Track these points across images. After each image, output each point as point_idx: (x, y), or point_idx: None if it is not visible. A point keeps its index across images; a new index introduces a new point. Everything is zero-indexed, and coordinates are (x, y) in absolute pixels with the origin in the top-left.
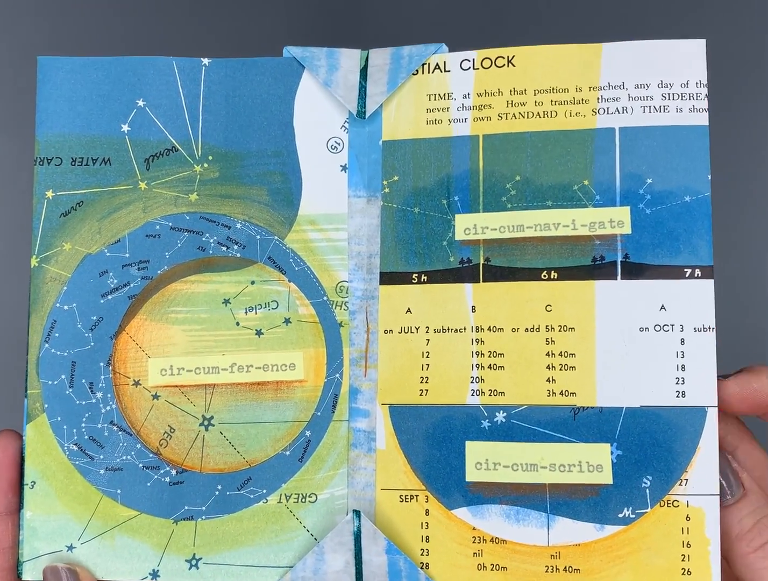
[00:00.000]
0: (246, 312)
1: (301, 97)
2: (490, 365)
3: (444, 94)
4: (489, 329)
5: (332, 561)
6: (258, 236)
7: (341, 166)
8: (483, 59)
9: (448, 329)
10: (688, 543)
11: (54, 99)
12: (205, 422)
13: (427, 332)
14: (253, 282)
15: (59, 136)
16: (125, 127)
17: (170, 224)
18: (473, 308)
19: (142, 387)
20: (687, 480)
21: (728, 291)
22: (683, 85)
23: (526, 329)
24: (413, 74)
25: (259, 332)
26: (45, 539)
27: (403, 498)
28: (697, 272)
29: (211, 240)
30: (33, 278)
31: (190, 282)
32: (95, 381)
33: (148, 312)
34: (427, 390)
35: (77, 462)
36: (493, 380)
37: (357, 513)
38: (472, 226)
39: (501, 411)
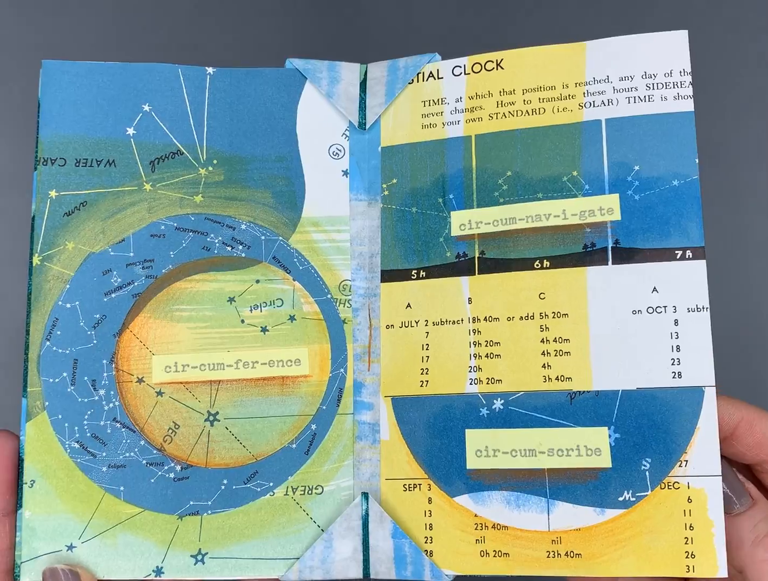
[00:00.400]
0: (251, 310)
1: (304, 106)
2: (487, 354)
3: (438, 100)
4: (485, 319)
5: (340, 547)
6: (263, 237)
7: (343, 171)
8: (473, 64)
9: (446, 321)
10: (691, 526)
11: (58, 102)
12: (211, 418)
13: (426, 325)
14: (258, 281)
15: (63, 137)
16: (131, 131)
17: (175, 224)
18: (470, 300)
19: (146, 384)
20: (687, 461)
21: (727, 274)
22: (667, 75)
23: (521, 318)
24: (409, 83)
25: (264, 329)
26: (44, 539)
27: (407, 487)
28: (689, 253)
29: (216, 240)
30: (34, 276)
31: (195, 281)
32: (98, 379)
33: (152, 310)
34: (427, 381)
35: (79, 460)
36: (491, 369)
37: (365, 495)
38: (467, 221)
39: (499, 399)
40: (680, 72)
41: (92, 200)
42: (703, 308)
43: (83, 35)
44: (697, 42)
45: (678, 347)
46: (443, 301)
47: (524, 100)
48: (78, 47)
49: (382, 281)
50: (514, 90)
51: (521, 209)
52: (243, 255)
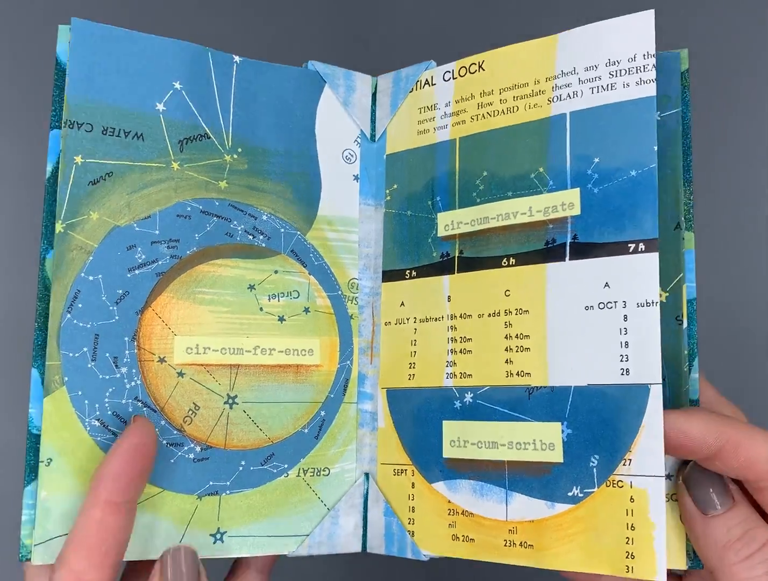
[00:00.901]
0: (269, 299)
1: (322, 108)
2: (460, 349)
3: (431, 106)
4: (460, 316)
5: (345, 524)
6: (282, 230)
7: (354, 175)
8: (460, 68)
9: (430, 318)
10: (632, 526)
11: (87, 64)
12: (230, 401)
13: (414, 322)
14: (276, 271)
15: (91, 102)
16: (160, 106)
17: (201, 207)
18: (449, 298)
19: (167, 364)
20: (631, 460)
21: (724, 268)
22: (630, 60)
23: (489, 315)
24: (409, 92)
25: (281, 319)
26: (59, 520)
27: (396, 471)
28: (641, 245)
29: (239, 228)
30: (57, 245)
31: (218, 265)
32: (120, 356)
33: (174, 291)
34: (414, 375)
35: (99, 439)
36: (463, 364)
37: (367, 475)
38: (450, 222)
39: (469, 392)
40: (644, 55)
41: (118, 171)
42: (653, 302)
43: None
44: (695, 30)
45: (626, 344)
46: (428, 299)
47: (500, 100)
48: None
49: (382, 281)
50: (492, 90)
51: (494, 208)
52: (263, 245)
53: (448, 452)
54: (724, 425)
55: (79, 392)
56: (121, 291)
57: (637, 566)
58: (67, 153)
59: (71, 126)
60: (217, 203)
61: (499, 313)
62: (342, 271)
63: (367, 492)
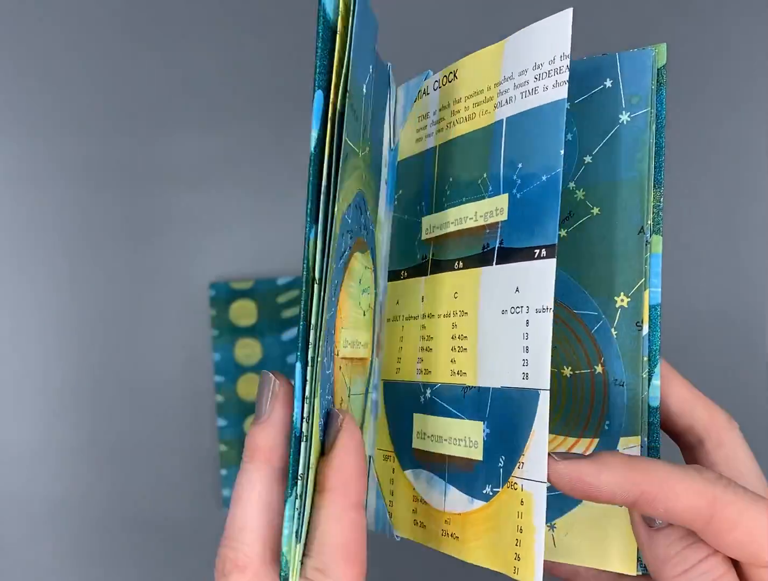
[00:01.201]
0: (362, 294)
1: (386, 110)
2: (426, 347)
3: (425, 115)
4: (428, 316)
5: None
6: (371, 227)
7: (385, 180)
8: (442, 77)
9: (411, 316)
10: (521, 528)
11: (360, 32)
12: (350, 394)
13: (402, 320)
14: (366, 267)
15: (358, 74)
16: (364, 88)
17: (358, 199)
18: (423, 299)
19: (338, 358)
20: (523, 463)
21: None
22: (551, 62)
23: (444, 315)
24: (413, 102)
25: (365, 313)
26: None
27: (385, 457)
28: (543, 251)
29: (362, 222)
30: (341, 231)
31: (354, 259)
32: (331, 350)
33: (344, 283)
34: (399, 369)
35: (322, 438)
36: (427, 361)
37: (370, 458)
38: (428, 226)
39: (429, 388)
40: (560, 56)
41: (346, 153)
42: (548, 308)
43: None
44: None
45: (527, 348)
46: (411, 298)
47: (465, 108)
48: None
49: (388, 281)
50: (461, 98)
51: (452, 214)
52: (365, 241)
53: (415, 443)
54: (637, 476)
55: (318, 390)
56: (336, 282)
57: (521, 568)
58: (346, 129)
59: (350, 98)
60: (360, 196)
61: (449, 314)
62: (379, 270)
63: (369, 474)
